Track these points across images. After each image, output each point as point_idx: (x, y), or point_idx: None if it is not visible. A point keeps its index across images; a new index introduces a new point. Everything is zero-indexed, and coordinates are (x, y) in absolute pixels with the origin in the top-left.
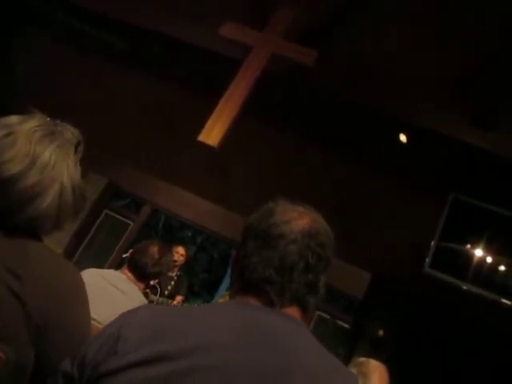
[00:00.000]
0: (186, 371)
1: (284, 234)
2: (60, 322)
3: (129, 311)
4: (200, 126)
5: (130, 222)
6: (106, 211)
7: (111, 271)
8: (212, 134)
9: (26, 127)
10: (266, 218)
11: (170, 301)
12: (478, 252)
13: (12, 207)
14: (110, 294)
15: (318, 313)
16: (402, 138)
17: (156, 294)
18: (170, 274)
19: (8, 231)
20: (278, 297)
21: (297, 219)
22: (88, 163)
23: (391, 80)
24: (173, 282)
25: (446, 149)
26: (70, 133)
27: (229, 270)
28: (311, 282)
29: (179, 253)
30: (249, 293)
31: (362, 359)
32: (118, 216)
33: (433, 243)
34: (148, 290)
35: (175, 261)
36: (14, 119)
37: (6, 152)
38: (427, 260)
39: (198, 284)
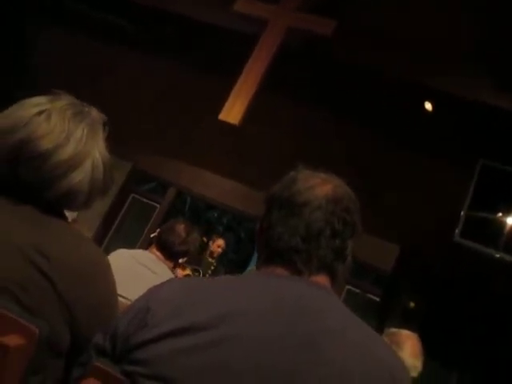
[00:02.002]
0: (215, 341)
1: (308, 201)
2: (89, 301)
3: (156, 285)
4: (220, 105)
5: (156, 204)
6: (133, 195)
7: (140, 251)
8: (233, 111)
9: (58, 105)
10: (288, 187)
11: None
12: (510, 219)
13: (47, 181)
14: (140, 273)
15: (348, 287)
16: (428, 106)
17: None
18: (210, 259)
19: (37, 210)
20: (306, 265)
21: (320, 185)
22: (111, 148)
23: (412, 46)
24: (212, 267)
25: (473, 114)
26: (96, 113)
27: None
28: (338, 248)
29: (217, 244)
30: (275, 263)
31: (394, 330)
32: (144, 200)
33: (462, 212)
34: (190, 272)
35: (212, 252)
36: (43, 99)
37: (41, 128)
38: (457, 230)
39: (227, 264)
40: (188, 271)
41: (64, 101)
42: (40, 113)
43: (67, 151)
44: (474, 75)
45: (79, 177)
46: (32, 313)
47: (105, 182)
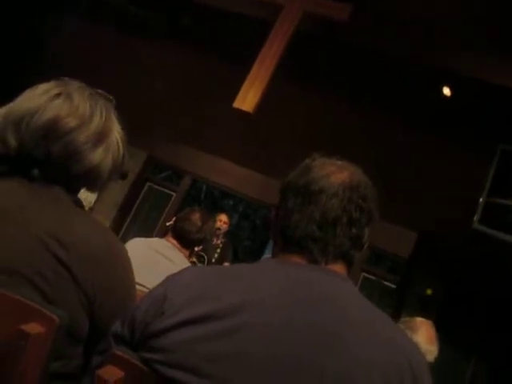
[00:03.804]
0: (232, 329)
1: (324, 189)
2: (107, 287)
3: (173, 274)
4: (235, 92)
5: (172, 193)
6: (149, 184)
7: (156, 239)
8: (247, 99)
9: (74, 87)
10: (304, 174)
11: None
12: None
13: (77, 155)
14: (156, 261)
15: (364, 274)
16: (446, 91)
17: (203, 263)
18: (216, 241)
19: (56, 197)
20: (322, 253)
21: (336, 173)
22: (127, 137)
23: (430, 29)
24: (219, 250)
25: (492, 98)
26: (104, 94)
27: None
28: (355, 236)
29: (222, 220)
30: (292, 251)
31: (409, 318)
32: (160, 188)
33: (481, 198)
34: (195, 259)
35: (219, 228)
36: (52, 83)
37: (65, 107)
38: (476, 216)
39: (243, 251)
40: (193, 258)
41: (76, 83)
42: (58, 95)
43: (92, 127)
44: (493, 58)
45: (105, 151)
46: (52, 301)
47: (124, 157)
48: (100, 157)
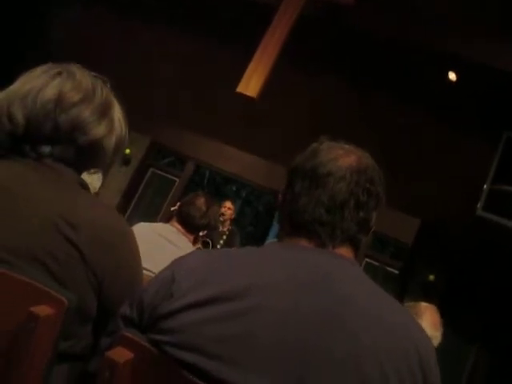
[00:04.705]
0: (240, 312)
1: (332, 172)
2: (115, 267)
3: (181, 257)
4: (239, 78)
5: (175, 178)
6: (152, 169)
7: (161, 224)
8: (250, 84)
9: (73, 67)
10: (311, 158)
11: None
12: None
13: (80, 129)
14: (161, 245)
15: (367, 259)
16: (451, 76)
17: (208, 248)
18: (222, 228)
19: (63, 178)
20: (330, 237)
21: (343, 156)
22: (129, 123)
23: (436, 15)
24: (224, 237)
25: (498, 84)
26: (100, 77)
27: (274, 223)
28: (362, 219)
29: (227, 206)
30: (299, 235)
31: (413, 303)
32: (163, 173)
33: (486, 185)
34: (200, 246)
35: (223, 214)
36: (51, 65)
37: (68, 83)
38: (480, 203)
39: (245, 237)
40: (198, 244)
41: (74, 65)
42: (59, 73)
43: (96, 101)
44: (500, 44)
45: (108, 126)
46: (62, 282)
47: (126, 136)
48: (104, 131)
